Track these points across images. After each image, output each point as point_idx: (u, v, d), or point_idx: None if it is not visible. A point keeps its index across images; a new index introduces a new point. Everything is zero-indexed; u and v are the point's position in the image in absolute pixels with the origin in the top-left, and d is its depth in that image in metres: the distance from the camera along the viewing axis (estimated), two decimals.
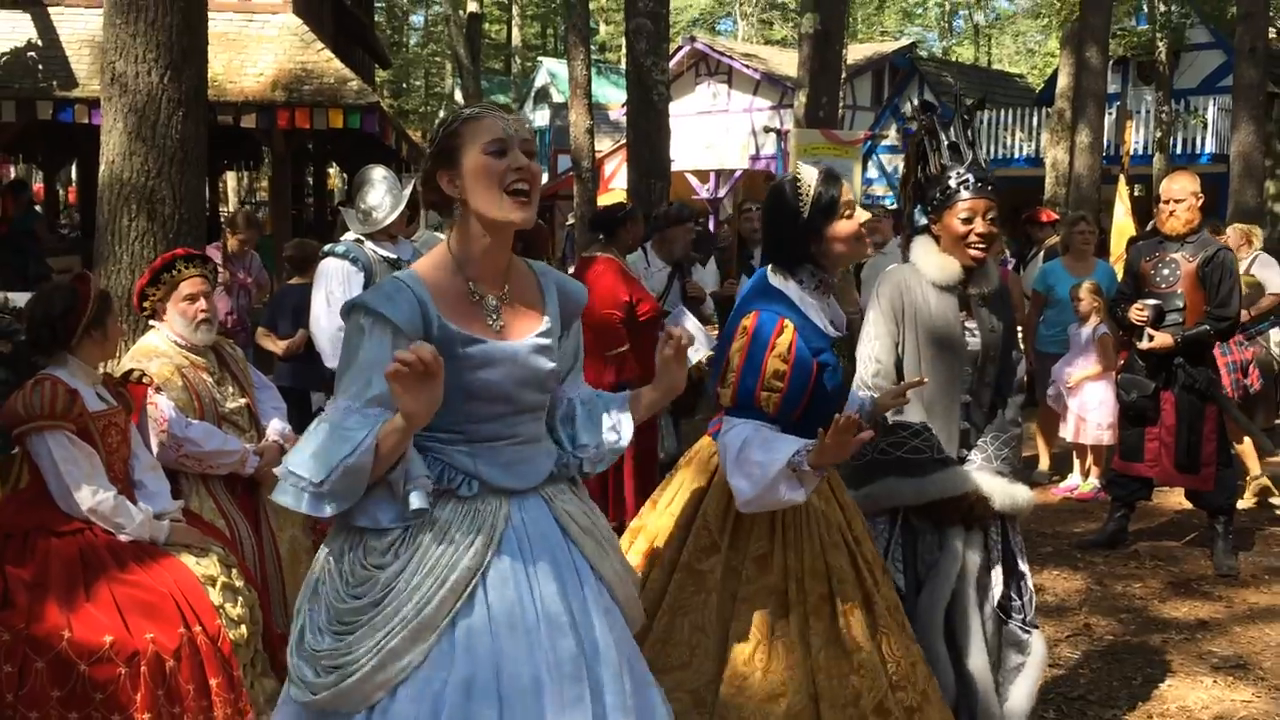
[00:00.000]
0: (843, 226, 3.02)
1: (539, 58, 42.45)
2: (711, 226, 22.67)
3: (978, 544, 3.46)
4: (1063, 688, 4.53)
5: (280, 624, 4.13)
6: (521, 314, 2.45)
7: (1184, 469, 5.92)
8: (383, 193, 5.11)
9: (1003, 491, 3.45)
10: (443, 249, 2.42)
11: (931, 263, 3.48)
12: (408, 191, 5.12)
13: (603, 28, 47.58)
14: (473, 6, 29.69)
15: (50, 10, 12.92)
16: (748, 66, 28.08)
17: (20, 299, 4.37)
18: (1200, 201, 5.86)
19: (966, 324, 3.49)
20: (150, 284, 4.22)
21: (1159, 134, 21.81)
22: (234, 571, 3.78)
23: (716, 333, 6.83)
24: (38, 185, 21.69)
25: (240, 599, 3.72)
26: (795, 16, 32.74)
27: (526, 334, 2.42)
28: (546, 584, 2.36)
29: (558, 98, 34.16)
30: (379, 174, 5.19)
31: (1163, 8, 22.01)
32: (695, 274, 7.66)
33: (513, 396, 2.39)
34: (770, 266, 3.09)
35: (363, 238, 5.13)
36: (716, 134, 28.11)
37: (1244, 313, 6.53)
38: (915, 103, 3.82)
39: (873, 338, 3.47)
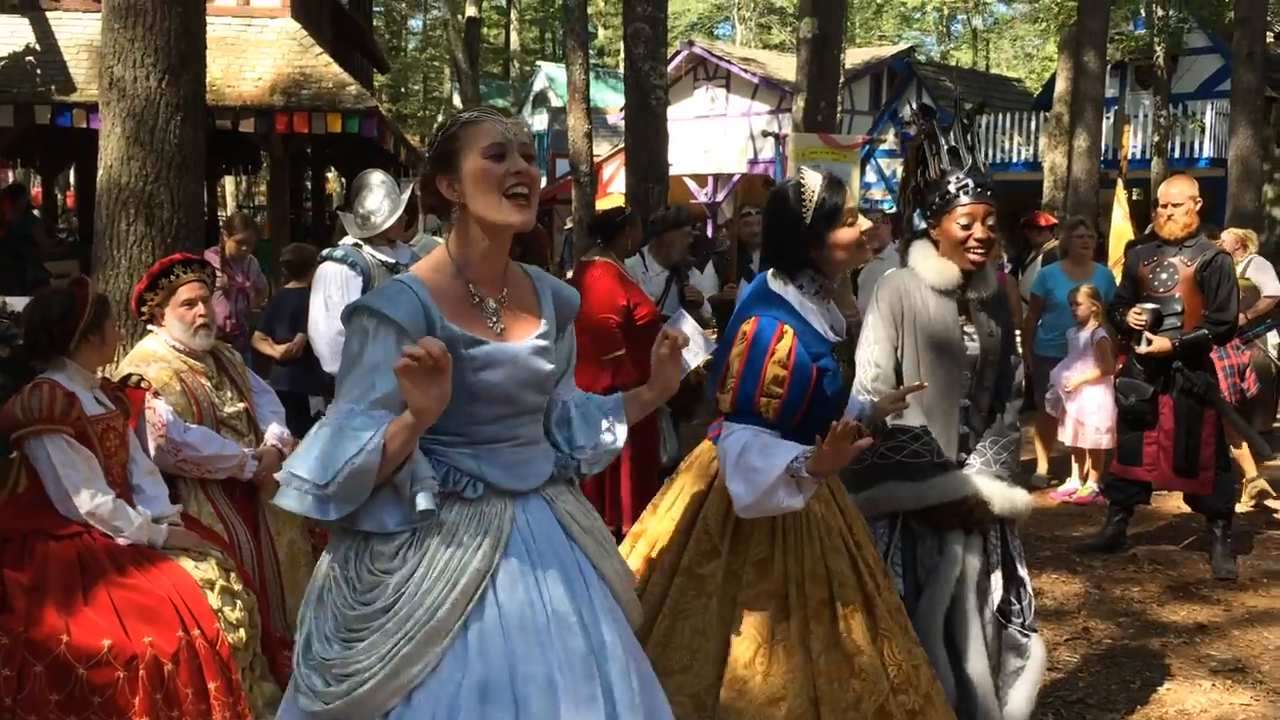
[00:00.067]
0: (844, 234, 3.02)
1: (537, 62, 42.47)
2: (710, 231, 22.72)
3: (977, 548, 3.46)
4: (1061, 691, 4.53)
5: (279, 628, 4.13)
6: (520, 317, 2.46)
7: (1182, 473, 5.92)
8: (381, 197, 5.11)
9: (1002, 495, 3.45)
10: (442, 252, 2.43)
11: (930, 267, 3.48)
12: (406, 196, 5.12)
13: (601, 32, 47.62)
14: (471, 11, 29.72)
15: (48, 15, 12.93)
16: (746, 71, 28.09)
17: (18, 303, 4.37)
18: (1198, 206, 5.86)
19: (965, 328, 3.50)
20: (148, 289, 4.22)
21: (1157, 138, 21.82)
22: (232, 575, 3.78)
23: (715, 336, 6.84)
24: (36, 189, 21.68)
25: (239, 603, 3.72)
26: (793, 21, 32.75)
27: (526, 336, 2.43)
28: (554, 584, 2.36)
29: (556, 102, 34.17)
30: (377, 178, 5.19)
31: (1160, 12, 22.03)
32: (693, 279, 7.66)
33: (514, 398, 2.39)
34: (770, 271, 3.09)
35: (361, 242, 5.13)
36: (715, 138, 28.12)
37: (1240, 316, 6.54)
38: (915, 106, 3.82)
39: (872, 342, 3.47)
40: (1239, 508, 6.75)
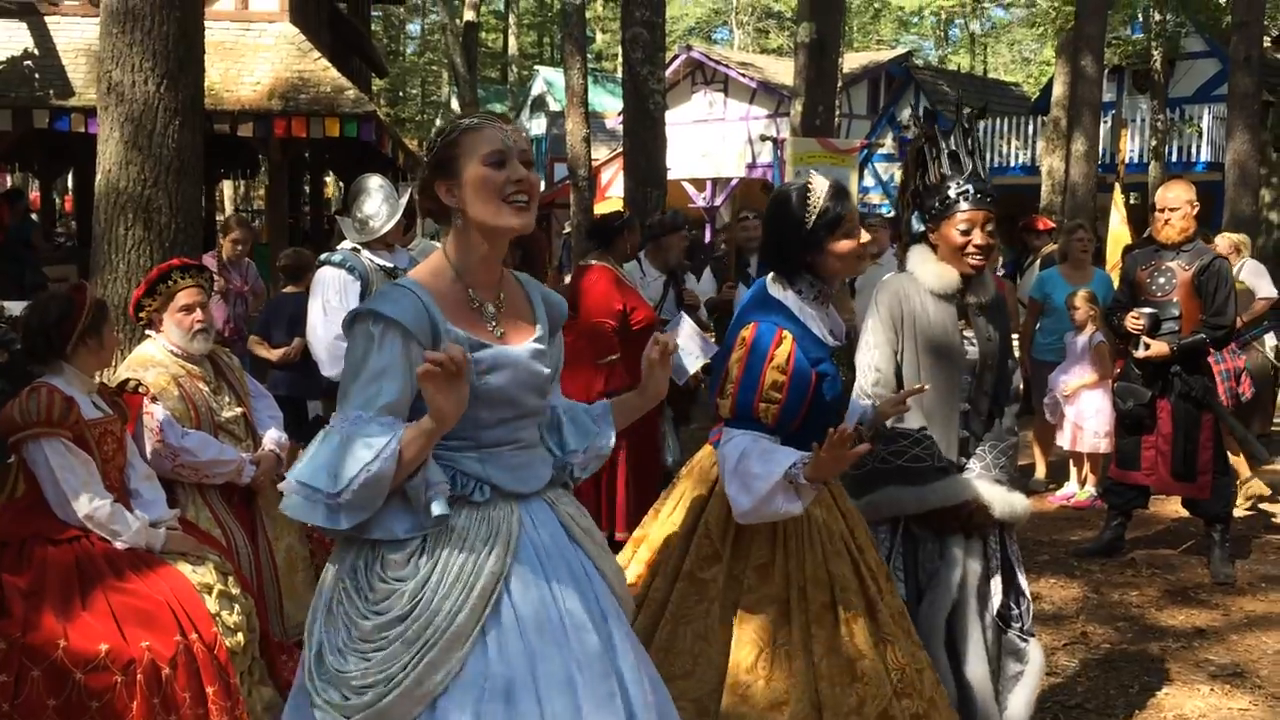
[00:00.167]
0: (844, 244, 3.02)
1: (536, 66, 42.51)
2: (708, 235, 22.72)
3: (978, 553, 3.47)
4: (1060, 696, 4.52)
5: (277, 632, 4.12)
6: (516, 321, 2.48)
7: (1180, 477, 5.93)
8: (379, 201, 5.11)
9: (1002, 500, 3.45)
10: (440, 257, 2.43)
11: (929, 271, 3.48)
12: (404, 200, 5.12)
13: (599, 36, 47.65)
14: (469, 15, 29.72)
15: (47, 19, 12.94)
16: (744, 75, 28.10)
17: (16, 308, 4.37)
18: (1195, 210, 5.87)
19: (964, 333, 3.50)
20: (146, 294, 4.22)
21: (1154, 142, 21.85)
22: (230, 579, 3.77)
23: (713, 338, 6.84)
24: (34, 194, 21.70)
25: (237, 607, 3.71)
26: (791, 25, 32.77)
27: (524, 340, 2.45)
28: (564, 585, 2.38)
29: (554, 106, 34.16)
30: (375, 183, 5.19)
31: (1158, 17, 22.06)
32: (689, 285, 7.67)
33: (516, 401, 2.40)
34: (770, 276, 3.10)
35: (359, 246, 5.13)
36: (713, 142, 28.13)
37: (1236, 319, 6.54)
38: (917, 111, 3.83)
39: (872, 346, 3.48)
40: (1235, 511, 6.75)
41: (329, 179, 25.12)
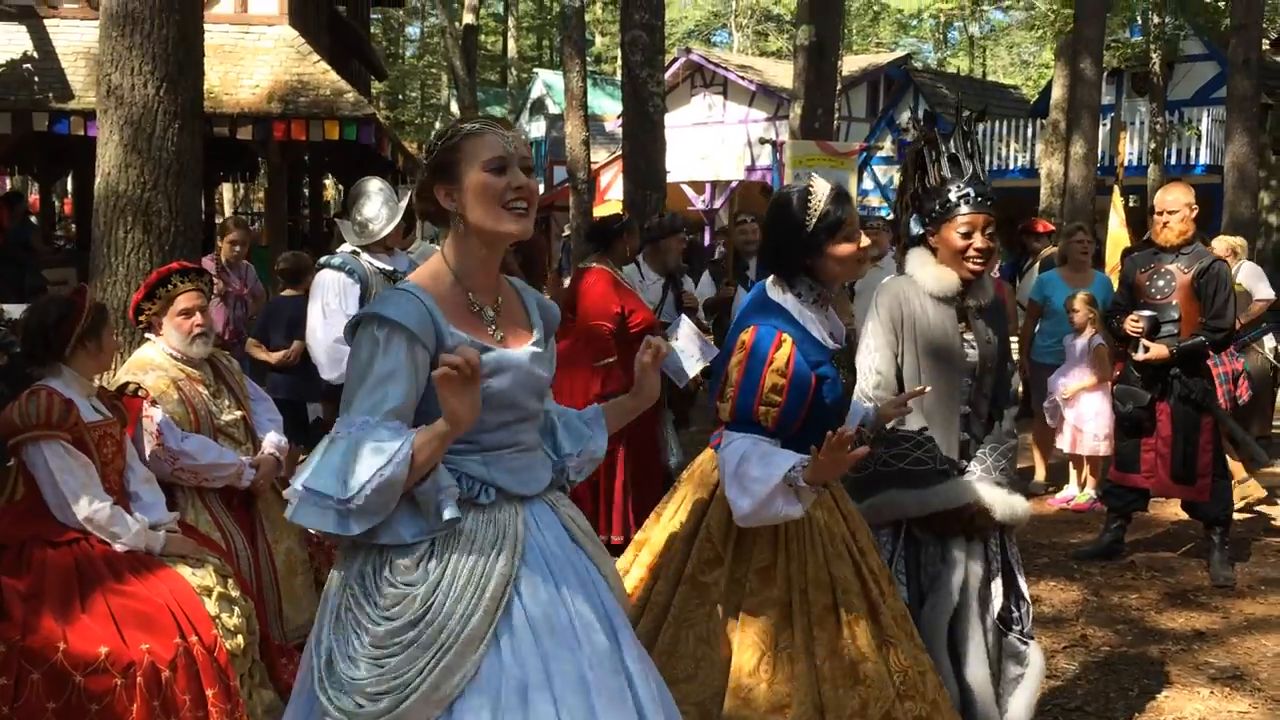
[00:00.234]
0: (843, 248, 3.02)
1: (535, 69, 42.52)
2: (707, 238, 22.73)
3: (979, 555, 3.47)
4: (1060, 699, 4.52)
5: (277, 635, 4.12)
6: (514, 325, 2.49)
7: (1180, 480, 5.93)
8: (379, 204, 5.12)
9: (1003, 502, 3.45)
10: (438, 261, 2.44)
11: (929, 274, 3.48)
12: (404, 203, 5.12)
13: (598, 39, 47.68)
14: (469, 18, 29.73)
15: (46, 22, 12.92)
16: (743, 78, 28.12)
17: (15, 311, 4.38)
18: (1194, 213, 5.87)
19: (964, 336, 3.50)
20: (146, 298, 4.22)
21: (1153, 145, 21.86)
22: (230, 582, 3.78)
23: (710, 339, 6.84)
24: (33, 197, 21.67)
25: (236, 609, 3.71)
26: (790, 28, 32.80)
27: (523, 343, 2.46)
28: (570, 586, 2.39)
29: (553, 109, 34.19)
30: (375, 186, 5.19)
31: (1156, 19, 22.07)
32: (688, 288, 7.67)
33: (518, 403, 2.41)
34: (770, 280, 3.10)
35: (359, 249, 5.13)
36: (712, 145, 28.14)
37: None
38: (916, 114, 3.83)
39: (872, 349, 3.48)
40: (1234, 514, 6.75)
41: (328, 182, 25.14)
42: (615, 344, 6.12)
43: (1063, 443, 7.66)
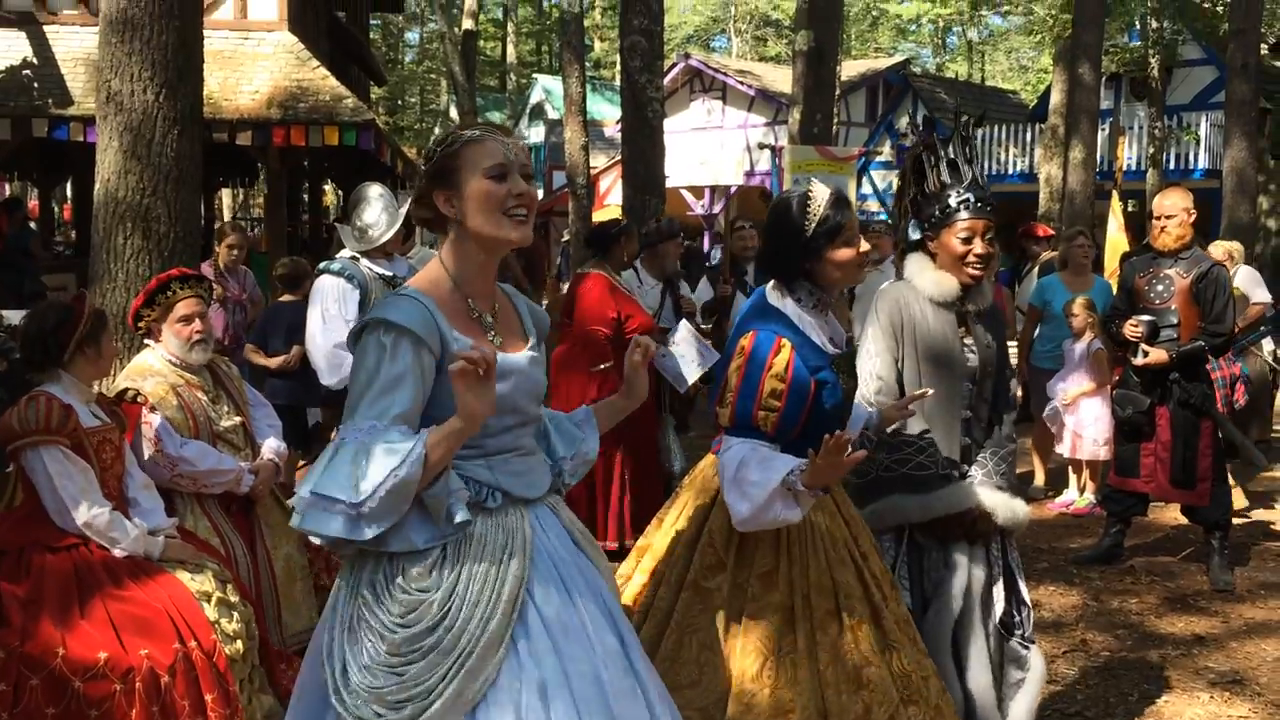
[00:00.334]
0: (843, 253, 3.02)
1: (534, 74, 42.54)
2: (706, 243, 22.74)
3: (981, 560, 3.46)
4: (1060, 704, 4.52)
5: (276, 640, 4.12)
6: (511, 330, 2.51)
7: (1179, 484, 5.92)
8: (379, 210, 5.12)
9: (1005, 506, 3.45)
10: (437, 267, 2.44)
11: (928, 280, 3.48)
12: (404, 209, 5.13)
13: (597, 45, 47.72)
14: (468, 24, 29.77)
15: (45, 28, 12.94)
16: (742, 83, 28.14)
17: (14, 317, 4.38)
18: (1192, 217, 5.87)
19: (964, 340, 3.50)
20: (145, 304, 4.23)
21: (1152, 150, 21.87)
22: (229, 587, 3.78)
23: (709, 341, 6.85)
24: (33, 203, 21.69)
25: (236, 614, 3.71)
26: (789, 33, 32.82)
27: (521, 348, 2.48)
28: (578, 587, 2.41)
29: (553, 114, 34.19)
30: (375, 191, 5.20)
31: (1155, 24, 22.10)
32: (687, 294, 7.67)
33: (519, 408, 2.43)
34: (770, 285, 3.10)
35: (358, 255, 5.14)
36: (711, 150, 28.16)
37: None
38: (915, 119, 3.83)
39: (873, 355, 3.48)
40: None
41: (328, 187, 25.14)
42: (612, 349, 6.13)
43: (1062, 447, 7.66)
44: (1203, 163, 21.98)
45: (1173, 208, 5.85)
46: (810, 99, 14.77)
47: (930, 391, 3.35)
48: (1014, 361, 5.82)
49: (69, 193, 23.10)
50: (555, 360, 6.45)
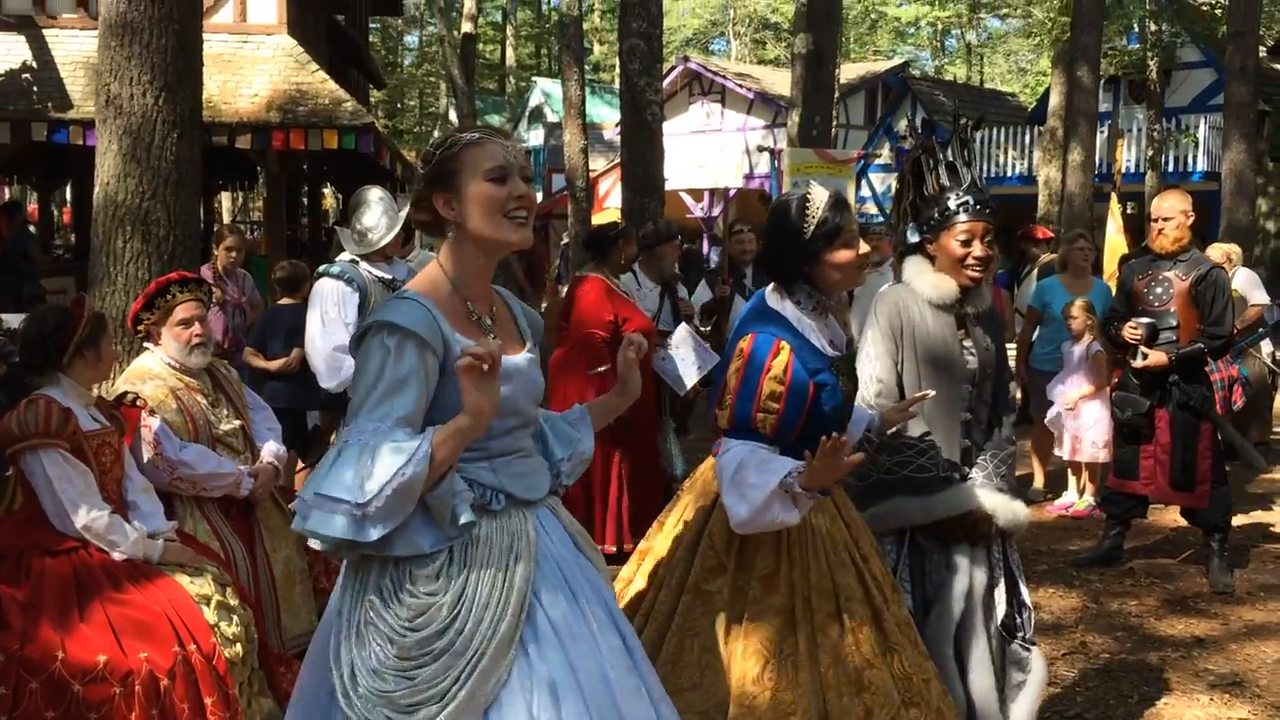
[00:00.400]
0: (842, 254, 3.03)
1: (533, 78, 42.53)
2: (705, 246, 22.73)
3: (983, 562, 3.47)
4: (1059, 706, 4.52)
5: (275, 643, 4.12)
6: (508, 333, 2.52)
7: (1179, 486, 5.93)
8: (379, 213, 5.12)
9: (1005, 507, 3.46)
10: (435, 269, 2.44)
11: (927, 282, 3.48)
12: (404, 212, 5.12)
13: (596, 48, 47.71)
14: (467, 27, 29.76)
15: (45, 32, 12.94)
16: (741, 86, 28.16)
17: (14, 320, 4.38)
18: (1190, 220, 5.88)
19: (964, 343, 3.50)
20: (145, 308, 4.23)
21: (1151, 152, 21.88)
22: (228, 590, 3.78)
23: (708, 343, 6.85)
24: (32, 206, 21.70)
25: (235, 617, 3.71)
26: (788, 37, 32.84)
27: (519, 351, 2.49)
28: (582, 588, 2.42)
29: (552, 117, 34.20)
30: (375, 195, 5.20)
31: (1154, 27, 22.11)
32: (681, 295, 7.66)
33: (520, 410, 2.43)
34: (770, 287, 3.10)
35: (358, 258, 5.14)
36: (710, 153, 28.17)
37: None
38: (914, 122, 3.83)
39: (873, 358, 3.48)
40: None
41: (327, 191, 25.15)
42: (609, 352, 6.13)
43: (1062, 450, 7.66)
44: (1201, 165, 21.99)
45: (1170, 210, 5.86)
46: (809, 102, 14.78)
47: (932, 393, 3.35)
48: (1013, 364, 5.81)
49: (68, 196, 23.10)
50: (553, 363, 6.46)
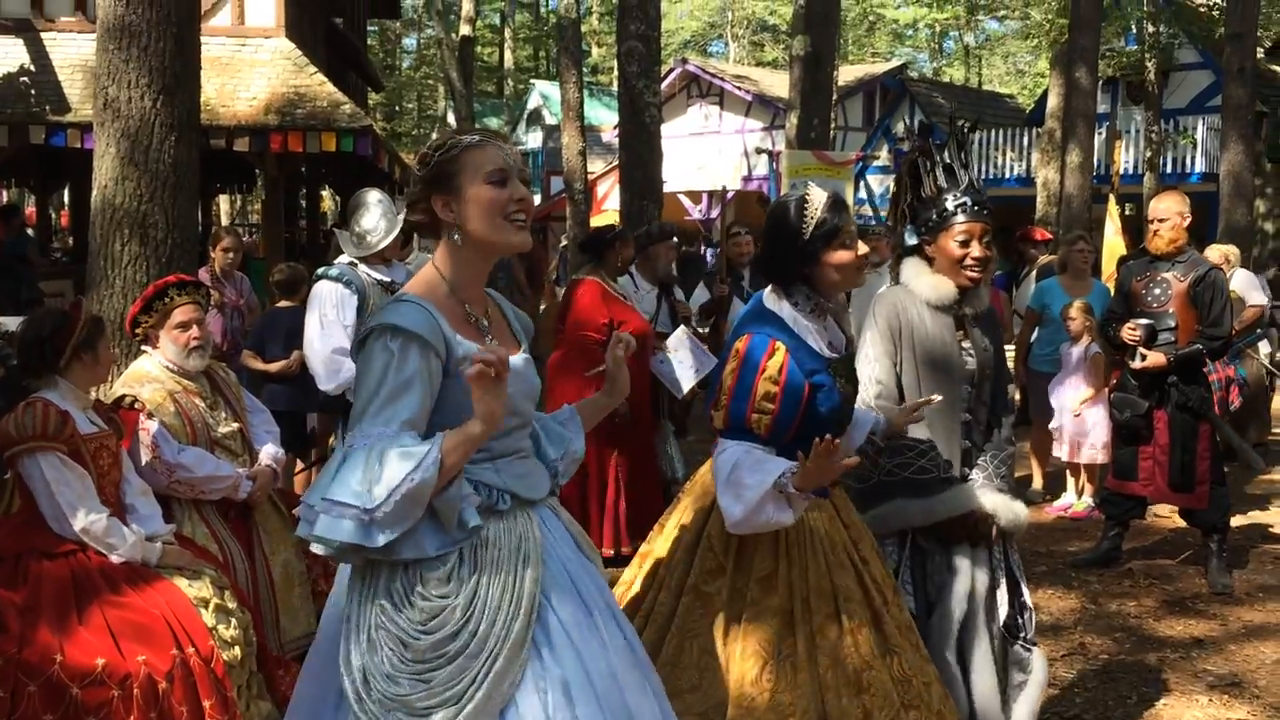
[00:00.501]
0: (840, 255, 3.02)
1: (531, 80, 42.58)
2: (704, 248, 22.74)
3: (984, 563, 3.47)
4: (1059, 707, 4.52)
5: (274, 646, 4.12)
6: (504, 334, 2.53)
7: (1178, 487, 5.93)
8: (378, 216, 5.12)
9: (1006, 508, 3.46)
10: (432, 272, 2.44)
11: (926, 284, 3.49)
12: (403, 215, 5.12)
13: (595, 50, 47.74)
14: (465, 29, 29.80)
15: (43, 35, 12.95)
16: (739, 88, 28.18)
17: (12, 323, 4.38)
18: (1186, 221, 5.88)
19: (962, 344, 3.51)
20: (143, 311, 4.23)
21: (1149, 154, 21.90)
22: (227, 593, 3.77)
23: (706, 345, 6.85)
24: (30, 209, 21.71)
25: (233, 620, 3.71)
26: (786, 39, 32.87)
27: (515, 351, 2.50)
28: (586, 586, 2.44)
29: (550, 120, 34.24)
30: (374, 197, 5.20)
31: (1151, 28, 22.14)
32: (678, 297, 7.66)
33: (519, 410, 2.44)
34: (769, 288, 3.10)
35: (357, 260, 5.13)
36: (709, 155, 28.18)
37: None
38: (912, 123, 3.83)
39: (872, 359, 3.48)
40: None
41: (325, 193, 25.16)
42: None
43: (1061, 451, 7.66)
44: (1199, 166, 22.02)
45: (1166, 211, 5.87)
46: (807, 104, 14.79)
47: (938, 398, 3.35)
48: (1011, 365, 5.82)
49: (66, 199, 23.09)
50: (551, 365, 6.46)
